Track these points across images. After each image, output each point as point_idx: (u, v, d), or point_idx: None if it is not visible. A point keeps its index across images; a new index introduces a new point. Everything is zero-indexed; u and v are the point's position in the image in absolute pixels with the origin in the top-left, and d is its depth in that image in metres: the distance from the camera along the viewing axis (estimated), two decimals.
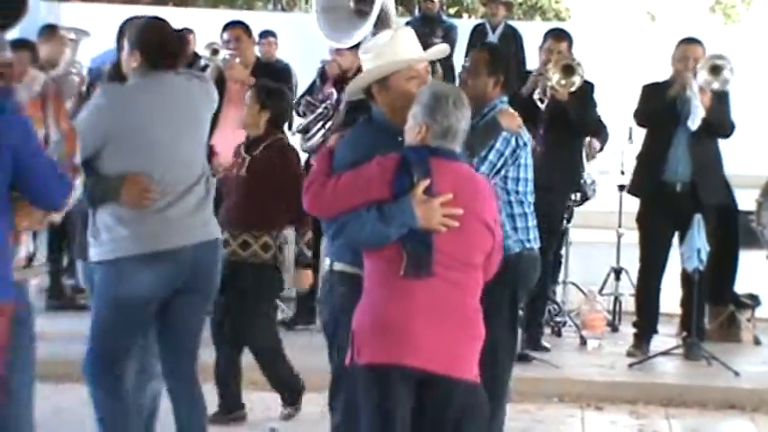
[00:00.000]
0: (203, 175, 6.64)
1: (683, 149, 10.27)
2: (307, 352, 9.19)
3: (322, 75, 11.20)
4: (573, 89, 10.16)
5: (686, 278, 10.56)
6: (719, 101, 10.29)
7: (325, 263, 6.12)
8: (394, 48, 5.85)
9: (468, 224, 5.48)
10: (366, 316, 5.59)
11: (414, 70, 5.82)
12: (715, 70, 10.24)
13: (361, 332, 5.58)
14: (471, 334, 5.64)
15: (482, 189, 5.70)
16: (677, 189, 10.28)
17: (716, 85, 10.18)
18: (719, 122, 10.26)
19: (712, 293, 10.86)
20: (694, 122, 10.09)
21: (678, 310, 10.94)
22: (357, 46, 11.23)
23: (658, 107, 10.40)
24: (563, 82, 10.09)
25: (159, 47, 6.66)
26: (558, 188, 10.36)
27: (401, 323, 5.53)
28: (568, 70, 10.19)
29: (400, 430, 5.57)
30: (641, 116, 10.66)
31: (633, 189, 10.83)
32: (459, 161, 5.67)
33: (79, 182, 4.75)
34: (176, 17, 13.78)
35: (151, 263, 6.18)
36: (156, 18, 7.15)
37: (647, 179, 10.55)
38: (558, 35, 10.81)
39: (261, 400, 9.31)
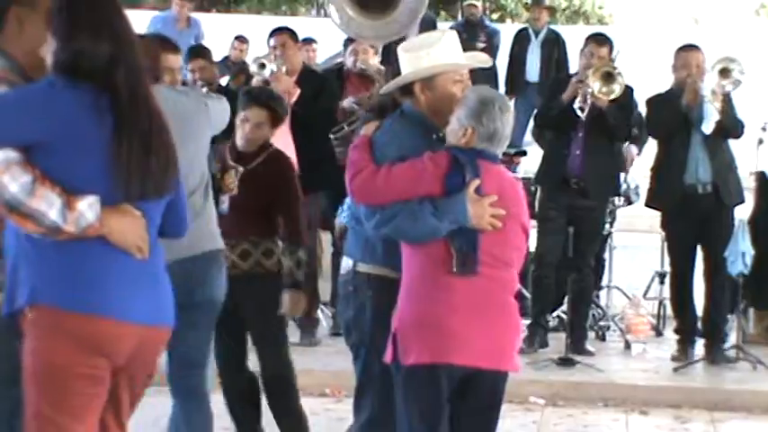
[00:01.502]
0: (196, 189, 6.52)
1: (701, 153, 10.32)
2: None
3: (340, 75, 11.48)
4: (613, 96, 10.15)
5: (733, 283, 10.55)
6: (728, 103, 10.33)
7: (346, 263, 6.10)
8: (444, 50, 5.82)
9: (508, 225, 5.55)
10: (411, 315, 5.60)
11: (459, 74, 5.81)
12: (724, 73, 10.25)
13: (406, 332, 5.59)
14: (513, 328, 5.74)
15: (520, 192, 5.80)
16: (699, 191, 10.27)
17: (729, 87, 10.24)
18: (732, 124, 10.26)
19: (755, 297, 10.85)
20: (709, 126, 10.14)
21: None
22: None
23: (671, 116, 10.41)
24: (603, 89, 10.13)
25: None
26: (597, 193, 10.44)
27: (448, 322, 5.55)
28: (609, 78, 10.24)
29: (443, 428, 5.63)
30: (654, 128, 10.75)
31: (653, 199, 10.74)
32: (500, 165, 5.77)
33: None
34: (220, 23, 13.81)
35: None
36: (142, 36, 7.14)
37: (669, 186, 10.51)
38: (599, 39, 10.81)
39: (307, 407, 8.76)
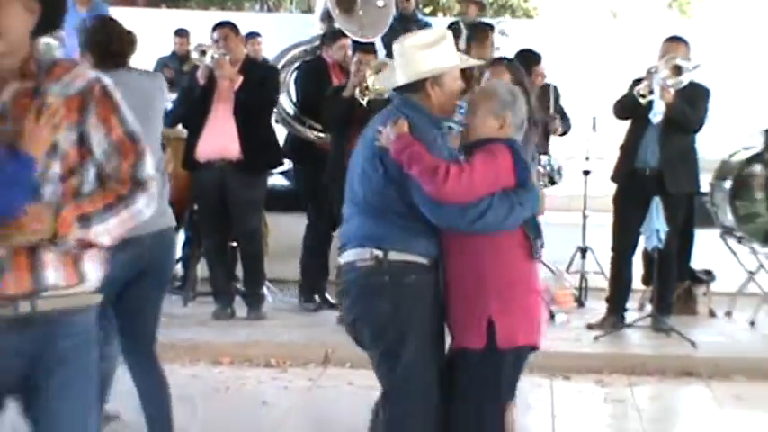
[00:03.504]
0: (158, 167, 6.57)
1: (653, 140, 10.33)
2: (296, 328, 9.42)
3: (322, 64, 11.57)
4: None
5: (647, 256, 10.77)
6: (689, 101, 10.31)
7: (364, 256, 5.61)
8: (451, 49, 5.78)
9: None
10: (508, 301, 5.51)
11: (458, 72, 5.78)
12: (675, 69, 10.27)
13: (505, 317, 5.48)
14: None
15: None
16: (646, 173, 10.37)
17: (670, 82, 10.21)
18: (682, 118, 10.29)
19: (672, 270, 10.88)
20: (655, 117, 10.18)
21: (641, 286, 11.17)
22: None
23: (628, 102, 10.51)
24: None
25: (106, 47, 6.67)
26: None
27: (537, 305, 5.67)
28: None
29: None
30: (614, 109, 10.75)
31: (612, 175, 10.87)
32: None
33: (144, 197, 4.07)
34: (169, 19, 13.92)
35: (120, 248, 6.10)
36: (107, 19, 7.18)
37: (623, 166, 10.65)
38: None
39: (255, 376, 9.35)
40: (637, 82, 10.55)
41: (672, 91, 10.19)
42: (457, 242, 5.52)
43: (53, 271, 3.97)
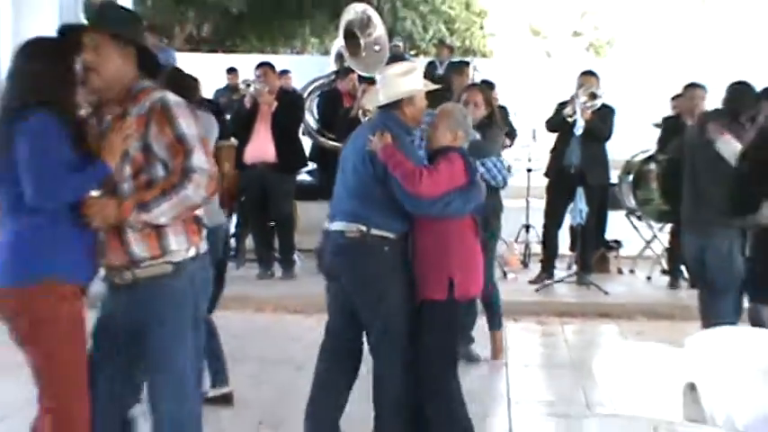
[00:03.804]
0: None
1: (576, 146, 10.25)
2: None
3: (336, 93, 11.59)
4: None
5: (573, 230, 10.76)
6: (601, 118, 10.37)
7: (351, 229, 5.47)
8: (420, 77, 5.72)
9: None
10: (461, 263, 5.47)
11: (423, 93, 5.66)
12: (591, 96, 10.33)
13: (460, 274, 5.44)
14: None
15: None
16: (571, 171, 10.32)
17: (588, 105, 10.27)
18: (597, 131, 10.33)
19: (592, 240, 10.89)
20: (578, 130, 10.18)
21: (569, 252, 11.16)
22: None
23: (557, 120, 10.53)
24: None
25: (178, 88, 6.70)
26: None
27: (479, 265, 5.61)
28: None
29: None
30: (547, 124, 10.77)
31: (546, 172, 10.90)
32: None
33: (191, 184, 3.93)
34: (223, 60, 13.94)
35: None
36: (175, 69, 6.97)
37: (554, 165, 10.65)
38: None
39: (288, 320, 9.37)
40: (561, 105, 10.57)
41: (589, 111, 10.26)
42: (426, 223, 5.46)
43: (137, 246, 3.95)
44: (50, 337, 3.99)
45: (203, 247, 4.11)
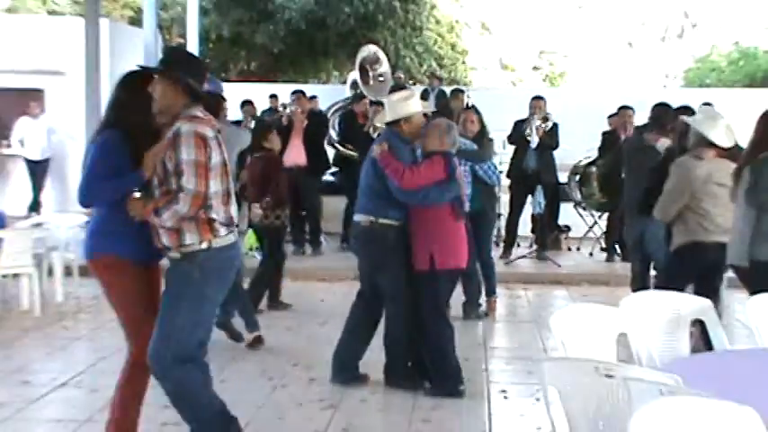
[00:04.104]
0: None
1: (532, 155, 10.35)
2: None
3: (352, 114, 11.42)
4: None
5: (534, 217, 10.83)
6: (550, 134, 10.40)
7: (365, 219, 5.60)
8: (416, 101, 5.70)
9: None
10: (442, 241, 5.45)
11: (421, 114, 5.70)
12: (544, 119, 10.40)
13: (441, 250, 5.45)
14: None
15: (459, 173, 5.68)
16: (529, 173, 10.37)
17: (543, 125, 10.36)
18: (548, 144, 10.40)
19: (548, 225, 10.97)
20: (534, 143, 10.30)
21: (530, 234, 11.16)
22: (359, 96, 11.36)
23: (518, 135, 10.51)
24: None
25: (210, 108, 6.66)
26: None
27: (461, 243, 5.57)
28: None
29: None
30: (509, 139, 10.73)
31: (509, 174, 10.79)
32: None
33: (181, 200, 3.88)
34: (268, 88, 13.90)
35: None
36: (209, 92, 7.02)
37: (516, 169, 10.58)
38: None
39: (315, 287, 9.27)
40: (518, 122, 10.60)
41: (542, 130, 10.34)
42: (414, 212, 5.51)
43: (164, 238, 3.98)
44: (114, 298, 4.17)
45: (220, 242, 4.01)
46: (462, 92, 11.48)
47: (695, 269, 5.55)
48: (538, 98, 10.72)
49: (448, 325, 5.59)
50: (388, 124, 5.67)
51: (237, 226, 4.17)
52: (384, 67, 11.80)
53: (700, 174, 5.49)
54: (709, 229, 5.52)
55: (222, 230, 4.02)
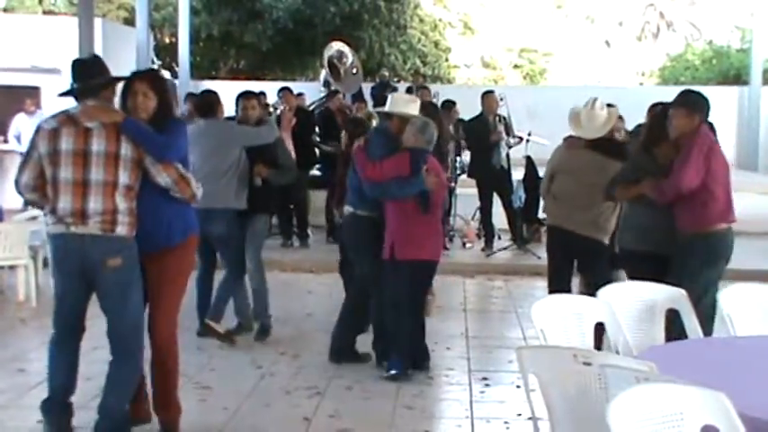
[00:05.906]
0: (240, 175, 6.47)
1: (498, 151, 10.35)
2: None
3: (329, 112, 11.35)
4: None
5: (508, 211, 10.63)
6: (508, 127, 10.49)
7: (347, 211, 5.96)
8: (416, 108, 5.84)
9: (439, 186, 5.64)
10: (405, 234, 5.55)
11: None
12: (502, 122, 10.44)
13: (403, 242, 5.55)
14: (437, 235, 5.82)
15: (439, 169, 5.77)
16: (497, 169, 10.38)
17: (501, 122, 10.42)
18: (507, 144, 10.44)
19: (528, 218, 10.91)
20: (506, 142, 10.39)
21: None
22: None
23: (482, 132, 10.41)
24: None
25: (203, 106, 6.62)
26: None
27: (422, 236, 5.59)
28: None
29: None
30: (468, 141, 10.76)
31: (471, 174, 10.76)
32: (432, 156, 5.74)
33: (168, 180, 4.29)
34: (256, 87, 13.89)
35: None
36: (206, 90, 7.02)
37: (483, 166, 10.47)
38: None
39: (303, 278, 9.24)
40: (470, 122, 10.65)
41: (511, 141, 10.55)
42: (386, 203, 5.64)
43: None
44: (184, 278, 4.56)
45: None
46: (454, 104, 11.13)
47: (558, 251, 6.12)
48: (488, 93, 10.64)
49: (408, 314, 5.66)
50: (383, 114, 5.90)
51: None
52: (350, 59, 11.92)
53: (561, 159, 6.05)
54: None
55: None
